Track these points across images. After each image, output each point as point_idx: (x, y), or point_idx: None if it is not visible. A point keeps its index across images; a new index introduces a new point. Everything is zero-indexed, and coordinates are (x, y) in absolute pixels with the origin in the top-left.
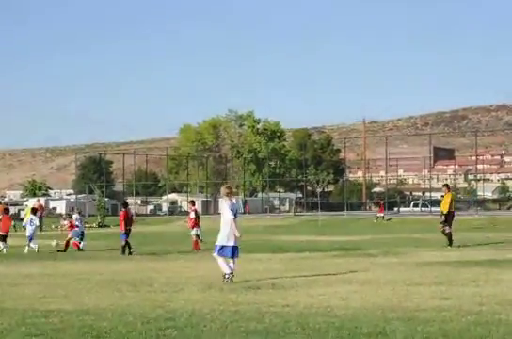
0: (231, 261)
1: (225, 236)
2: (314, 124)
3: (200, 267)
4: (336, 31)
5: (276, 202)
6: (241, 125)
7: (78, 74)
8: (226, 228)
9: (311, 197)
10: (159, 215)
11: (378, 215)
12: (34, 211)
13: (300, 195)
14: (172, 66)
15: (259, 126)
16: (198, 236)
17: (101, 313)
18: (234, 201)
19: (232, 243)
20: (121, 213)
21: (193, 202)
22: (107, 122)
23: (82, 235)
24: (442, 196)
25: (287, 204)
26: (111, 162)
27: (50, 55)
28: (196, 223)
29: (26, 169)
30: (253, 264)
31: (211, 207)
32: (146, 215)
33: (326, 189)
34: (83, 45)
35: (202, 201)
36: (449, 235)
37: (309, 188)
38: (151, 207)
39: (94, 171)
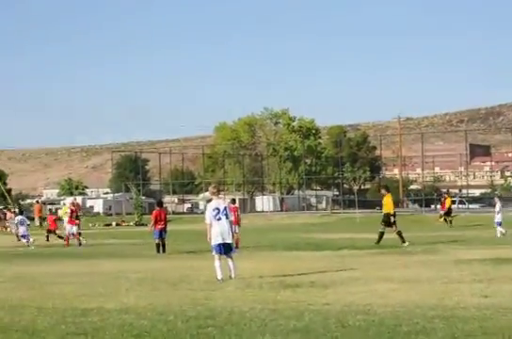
0: (229, 259)
1: (217, 235)
2: (349, 122)
3: (238, 266)
4: (372, 26)
5: (313, 200)
6: (276, 123)
7: (116, 75)
8: (216, 227)
9: (347, 194)
10: (196, 213)
11: (441, 212)
12: (21, 211)
13: (337, 193)
14: (207, 64)
15: (294, 124)
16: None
17: (140, 311)
18: (223, 200)
19: (222, 241)
20: (154, 212)
21: (234, 201)
22: (143, 121)
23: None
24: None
25: (324, 202)
26: (147, 160)
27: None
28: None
29: (63, 168)
30: (291, 262)
31: (247, 205)
32: (183, 213)
33: (362, 187)
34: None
35: (239, 199)
36: (399, 234)
37: (345, 186)
38: (187, 205)
39: (130, 170)
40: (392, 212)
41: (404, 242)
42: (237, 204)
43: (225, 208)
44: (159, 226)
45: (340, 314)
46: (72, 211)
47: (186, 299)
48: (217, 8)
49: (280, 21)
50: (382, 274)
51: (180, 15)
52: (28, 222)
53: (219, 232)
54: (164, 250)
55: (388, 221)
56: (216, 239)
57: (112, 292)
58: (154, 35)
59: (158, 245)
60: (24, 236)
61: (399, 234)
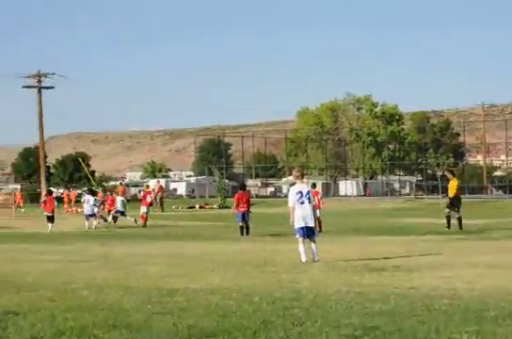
0: (312, 243)
1: (299, 218)
2: (433, 107)
3: (322, 250)
4: (454, 13)
5: (396, 185)
6: (359, 109)
7: (197, 58)
8: (298, 211)
9: (431, 180)
10: (279, 197)
11: None
12: (92, 193)
13: (420, 178)
14: (291, 49)
15: (377, 109)
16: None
17: (226, 292)
18: (306, 184)
19: (304, 224)
20: (236, 195)
21: (314, 185)
22: (226, 105)
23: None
24: None
25: (407, 187)
26: (230, 144)
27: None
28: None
29: (146, 151)
30: (376, 246)
31: (330, 190)
32: (266, 196)
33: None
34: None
35: (322, 183)
36: (448, 219)
37: (429, 172)
38: (271, 189)
39: (213, 153)
40: (451, 196)
41: (448, 227)
42: (319, 189)
43: (308, 192)
44: (242, 209)
45: (425, 297)
46: (145, 193)
47: (271, 281)
48: None
49: (361, 6)
50: (467, 259)
51: None
52: (94, 203)
53: (302, 215)
54: (247, 233)
55: (452, 205)
56: (298, 223)
57: (197, 273)
58: (235, 19)
59: (242, 227)
60: (90, 216)
61: (448, 219)
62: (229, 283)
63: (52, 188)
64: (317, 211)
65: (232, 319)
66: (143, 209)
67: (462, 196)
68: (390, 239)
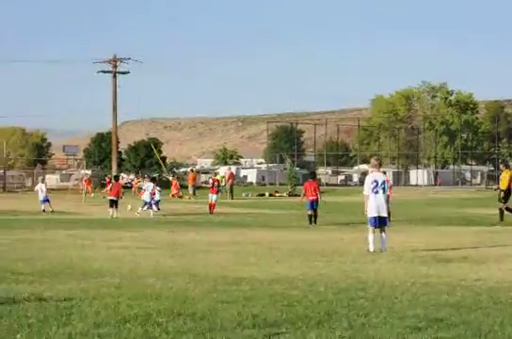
0: (382, 232)
1: (373, 208)
2: (508, 97)
3: (391, 239)
4: None
5: (467, 175)
6: (433, 97)
7: (274, 46)
8: (372, 200)
9: None
10: (350, 185)
11: None
12: (153, 179)
13: (492, 168)
14: (365, 36)
15: (451, 98)
16: None
17: (291, 281)
18: (382, 174)
19: (377, 214)
20: (305, 183)
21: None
22: (298, 92)
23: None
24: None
25: (478, 177)
26: (302, 132)
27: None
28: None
29: (218, 138)
30: (444, 236)
31: (401, 179)
32: (336, 185)
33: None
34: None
35: (393, 172)
36: (501, 211)
37: (501, 162)
38: (341, 177)
39: (285, 141)
40: (503, 188)
41: (502, 220)
42: (389, 177)
43: (383, 182)
44: (310, 197)
45: (491, 290)
46: (213, 180)
47: (338, 271)
48: None
49: None
50: None
51: None
52: (152, 190)
53: (375, 205)
54: (315, 222)
55: (503, 197)
56: (371, 212)
57: (264, 262)
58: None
59: (310, 216)
60: (146, 204)
61: (501, 210)
62: (294, 273)
63: (123, 174)
64: None
65: (296, 309)
66: (211, 196)
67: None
68: (458, 230)
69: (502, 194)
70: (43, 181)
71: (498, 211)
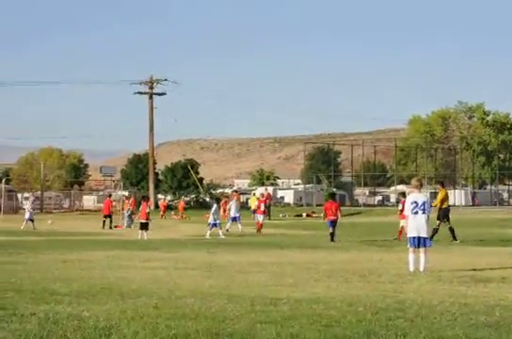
0: (421, 253)
1: (412, 228)
2: None
3: (429, 259)
4: None
5: (505, 195)
6: (470, 117)
7: (306, 68)
8: (411, 221)
9: None
10: (387, 205)
11: None
12: (217, 201)
13: None
14: (403, 56)
15: (488, 118)
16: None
17: (330, 302)
18: (423, 195)
19: (417, 234)
20: (325, 204)
21: (403, 194)
22: (336, 113)
23: None
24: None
25: None
26: (339, 152)
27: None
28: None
29: (254, 159)
30: (483, 257)
31: None
32: (374, 205)
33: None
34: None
35: (430, 192)
36: (451, 230)
37: None
38: (378, 198)
39: (322, 162)
40: (441, 207)
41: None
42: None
43: (424, 203)
44: (331, 217)
45: None
46: (260, 201)
47: (376, 291)
48: None
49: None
50: None
51: None
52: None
53: (415, 225)
54: (333, 240)
55: (442, 216)
56: (411, 232)
57: (302, 282)
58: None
59: (332, 234)
60: (210, 224)
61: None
62: (333, 293)
63: (160, 195)
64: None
65: (335, 329)
66: (258, 217)
67: None
68: (497, 250)
69: (441, 214)
70: (30, 199)
71: None
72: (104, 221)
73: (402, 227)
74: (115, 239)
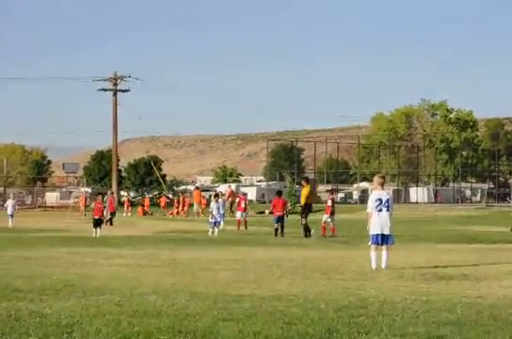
0: (384, 250)
1: (376, 225)
2: (508, 114)
3: (391, 256)
4: None
5: (467, 193)
6: (433, 115)
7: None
8: (375, 218)
9: (502, 188)
10: (349, 203)
11: None
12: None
13: (492, 186)
14: (366, 55)
15: (451, 116)
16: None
17: (292, 299)
18: (386, 192)
19: (380, 231)
20: (273, 200)
21: (332, 191)
22: (298, 110)
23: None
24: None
25: (478, 195)
26: (302, 150)
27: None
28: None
29: (217, 156)
30: (445, 254)
31: (401, 196)
32: (336, 203)
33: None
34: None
35: (393, 190)
36: (305, 226)
37: (501, 179)
38: (341, 195)
39: (285, 159)
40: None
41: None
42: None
43: (387, 200)
44: (277, 213)
45: (492, 307)
46: (240, 199)
47: (338, 289)
48: None
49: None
50: None
51: None
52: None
53: (379, 222)
54: (282, 235)
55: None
56: (374, 229)
57: (264, 279)
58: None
59: (276, 229)
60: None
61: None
62: (295, 290)
63: (122, 192)
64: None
65: (297, 327)
66: (238, 214)
67: None
68: (459, 247)
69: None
70: (13, 197)
71: None
72: (111, 218)
73: (325, 222)
74: (80, 236)
